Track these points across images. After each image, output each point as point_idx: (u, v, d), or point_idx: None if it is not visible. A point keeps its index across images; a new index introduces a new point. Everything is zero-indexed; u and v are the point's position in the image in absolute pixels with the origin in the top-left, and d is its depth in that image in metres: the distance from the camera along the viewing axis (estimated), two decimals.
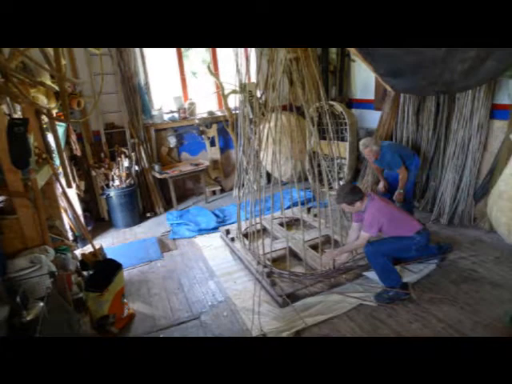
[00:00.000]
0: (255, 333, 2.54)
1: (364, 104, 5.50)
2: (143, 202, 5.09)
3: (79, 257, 3.18)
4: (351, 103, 5.77)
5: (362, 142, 3.71)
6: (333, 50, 5.61)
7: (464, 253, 3.37)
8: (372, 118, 5.21)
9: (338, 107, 4.95)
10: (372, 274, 2.95)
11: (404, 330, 2.45)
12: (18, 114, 2.77)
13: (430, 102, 4.20)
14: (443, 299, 2.70)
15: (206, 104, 5.54)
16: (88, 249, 3.32)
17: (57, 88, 2.79)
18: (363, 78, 5.35)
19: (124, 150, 4.77)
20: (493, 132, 3.73)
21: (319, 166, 3.52)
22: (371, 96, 5.33)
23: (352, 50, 4.64)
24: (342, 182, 4.95)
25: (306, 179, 5.00)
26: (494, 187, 3.31)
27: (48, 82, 2.79)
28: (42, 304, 1.76)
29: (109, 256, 3.49)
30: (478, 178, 3.84)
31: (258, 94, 3.22)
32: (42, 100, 2.79)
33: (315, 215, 4.22)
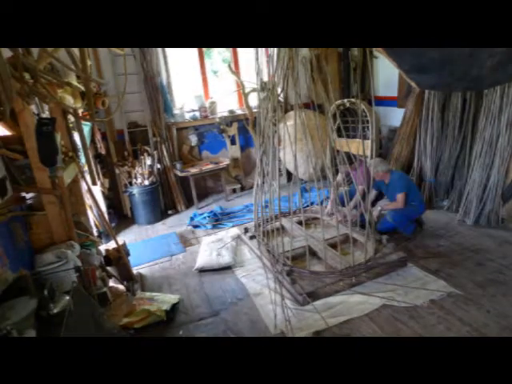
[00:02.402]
0: (274, 331, 2.54)
1: (387, 101, 5.39)
2: (165, 200, 5.18)
3: (103, 252, 3.26)
4: (374, 100, 5.66)
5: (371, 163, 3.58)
6: None
7: (491, 255, 3.26)
8: (395, 116, 5.11)
9: (360, 105, 4.87)
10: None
11: (427, 333, 2.39)
12: (46, 114, 2.86)
13: (456, 99, 4.08)
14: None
15: (226, 103, 5.57)
16: (112, 245, 3.39)
17: (83, 88, 2.86)
18: (386, 74, 5.25)
19: (147, 148, 4.86)
20: None
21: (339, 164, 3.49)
22: (394, 93, 5.22)
23: None
24: None
25: (326, 178, 4.95)
26: None
27: (74, 82, 2.87)
28: (68, 298, 1.82)
29: (132, 251, 3.56)
30: (507, 178, 3.69)
31: (279, 91, 3.21)
32: (69, 100, 2.86)
33: (332, 214, 4.18)
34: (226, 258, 3.48)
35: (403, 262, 3.14)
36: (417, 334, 2.39)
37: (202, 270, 3.44)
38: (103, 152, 4.46)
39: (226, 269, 3.44)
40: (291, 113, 5.15)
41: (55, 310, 1.71)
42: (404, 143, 4.62)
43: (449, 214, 4.18)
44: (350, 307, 2.68)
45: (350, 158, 3.96)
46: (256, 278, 3.23)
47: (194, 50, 5.25)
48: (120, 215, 4.94)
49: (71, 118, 3.15)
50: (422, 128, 4.40)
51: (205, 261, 3.49)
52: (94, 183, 3.60)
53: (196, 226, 4.48)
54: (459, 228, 3.82)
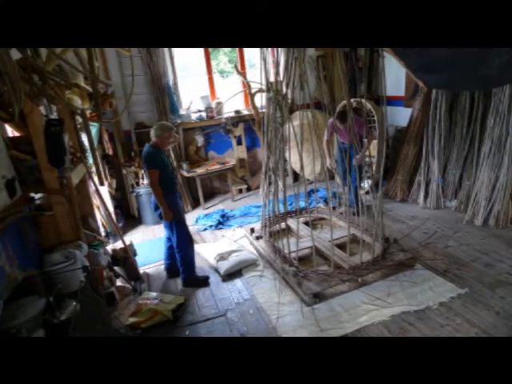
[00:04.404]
0: (280, 331, 2.53)
1: (394, 101, 5.35)
2: None
3: (110, 252, 3.28)
4: (381, 100, 5.63)
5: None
6: None
7: (500, 255, 3.22)
8: (402, 116, 5.07)
9: (367, 104, 4.84)
10: None
11: (434, 335, 2.37)
12: (54, 115, 2.88)
13: (464, 98, 4.04)
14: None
15: (232, 103, 5.57)
16: (119, 245, 3.42)
17: (90, 89, 2.89)
18: (393, 74, 5.20)
19: None
20: None
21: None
22: (401, 93, 5.19)
23: None
24: (369, 181, 4.84)
25: (332, 178, 4.93)
26: None
27: (82, 83, 2.89)
28: (74, 303, 1.82)
29: (139, 251, 3.57)
30: None
31: (284, 91, 3.21)
32: (77, 101, 2.89)
33: (341, 213, 4.17)
34: (249, 255, 3.51)
35: (411, 263, 3.12)
36: (424, 335, 2.37)
37: (229, 274, 3.36)
38: (110, 153, 4.49)
39: None
40: (297, 113, 5.15)
41: (62, 318, 1.71)
42: (411, 143, 4.59)
43: (457, 214, 4.14)
44: (358, 315, 2.61)
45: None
46: (262, 279, 3.23)
47: (201, 51, 5.27)
48: (127, 215, 4.97)
49: (79, 119, 3.18)
50: (429, 128, 4.36)
51: (229, 264, 3.40)
52: (102, 184, 3.63)
53: (204, 229, 4.48)
54: (468, 228, 3.78)
